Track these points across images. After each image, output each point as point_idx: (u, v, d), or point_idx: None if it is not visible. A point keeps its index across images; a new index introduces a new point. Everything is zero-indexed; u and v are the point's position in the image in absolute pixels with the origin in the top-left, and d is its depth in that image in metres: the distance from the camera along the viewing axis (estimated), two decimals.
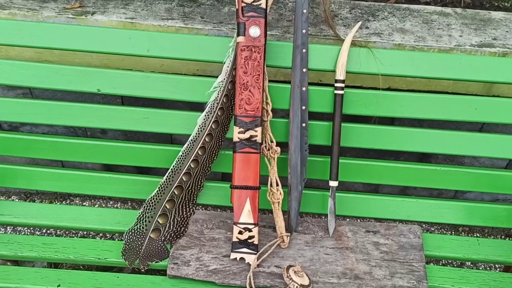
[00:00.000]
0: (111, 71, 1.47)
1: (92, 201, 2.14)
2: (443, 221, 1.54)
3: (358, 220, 1.96)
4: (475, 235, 2.03)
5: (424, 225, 2.05)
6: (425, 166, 1.54)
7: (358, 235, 1.49)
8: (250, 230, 1.38)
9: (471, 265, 1.96)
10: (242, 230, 1.38)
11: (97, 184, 1.57)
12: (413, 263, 1.42)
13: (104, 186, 1.57)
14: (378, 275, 1.38)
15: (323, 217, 1.80)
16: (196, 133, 1.44)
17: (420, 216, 1.55)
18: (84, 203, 2.11)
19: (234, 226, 1.39)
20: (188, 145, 1.44)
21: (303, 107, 1.43)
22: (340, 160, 1.46)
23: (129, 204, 2.16)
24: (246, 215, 1.38)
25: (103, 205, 2.12)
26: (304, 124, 1.44)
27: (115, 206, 2.13)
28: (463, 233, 2.05)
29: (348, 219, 1.91)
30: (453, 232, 2.05)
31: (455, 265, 1.95)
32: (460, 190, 1.99)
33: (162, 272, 1.39)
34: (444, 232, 2.04)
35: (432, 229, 2.07)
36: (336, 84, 1.42)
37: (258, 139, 1.37)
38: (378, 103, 1.46)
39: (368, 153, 1.87)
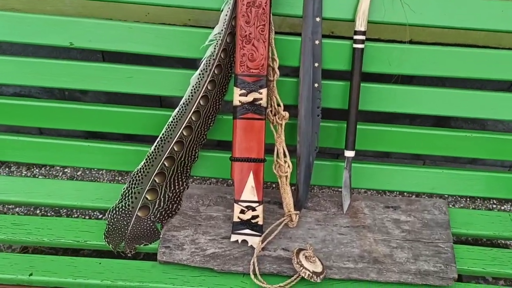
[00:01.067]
0: (87, 20, 1.23)
1: (72, 173, 1.92)
2: (473, 194, 1.36)
3: (376, 194, 1.76)
4: (507, 209, 1.84)
5: (450, 198, 1.85)
6: (449, 131, 1.34)
7: (376, 212, 1.31)
8: (253, 209, 1.19)
9: (504, 243, 1.79)
10: (244, 209, 1.19)
11: (78, 154, 1.36)
12: (439, 244, 1.24)
13: (87, 156, 1.36)
14: (400, 258, 1.20)
15: (336, 191, 1.61)
16: (189, 95, 1.22)
17: (446, 188, 1.36)
18: (63, 176, 1.89)
19: (235, 204, 1.19)
20: (179, 109, 1.23)
21: (316, 64, 1.21)
22: (357, 126, 1.25)
23: (115, 176, 1.94)
24: (249, 192, 1.18)
25: (85, 178, 1.91)
26: (316, 85, 1.22)
27: (98, 179, 1.91)
28: (494, 207, 1.87)
29: (364, 193, 1.71)
30: (482, 206, 1.87)
31: (485, 244, 1.78)
32: (479, 158, 1.80)
33: (151, 256, 1.21)
34: (473, 206, 1.86)
35: (459, 203, 1.88)
36: (356, 37, 1.19)
37: (263, 102, 1.15)
38: (403, 59, 1.24)
39: (376, 117, 1.66)
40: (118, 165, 1.36)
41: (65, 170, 1.94)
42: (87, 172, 1.92)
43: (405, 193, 1.56)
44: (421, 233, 1.26)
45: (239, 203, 1.19)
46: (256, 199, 1.19)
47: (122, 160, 1.35)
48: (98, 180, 1.86)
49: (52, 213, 1.72)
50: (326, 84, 1.25)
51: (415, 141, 1.33)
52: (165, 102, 1.69)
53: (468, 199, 1.86)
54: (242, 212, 1.19)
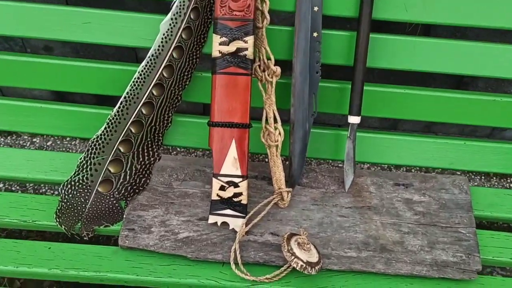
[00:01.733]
0: None
1: (41, 143, 1.69)
2: (502, 170, 1.14)
3: (384, 169, 1.52)
4: None
5: (472, 176, 1.62)
6: (475, 95, 1.11)
7: (384, 190, 1.09)
8: (236, 185, 0.97)
9: None
10: (224, 184, 0.97)
11: (45, 119, 1.14)
12: (460, 229, 1.03)
13: (55, 122, 1.14)
14: (413, 246, 1.00)
15: (337, 166, 1.39)
16: (159, 46, 0.99)
17: (468, 163, 1.15)
18: (31, 146, 1.66)
19: (214, 179, 0.98)
20: (147, 63, 1.00)
21: (315, 8, 0.98)
22: (364, 87, 1.03)
23: (77, 144, 1.70)
24: (231, 164, 0.97)
25: (56, 148, 1.68)
26: (315, 34, 0.99)
27: (71, 150, 1.67)
28: None
29: (370, 168, 1.48)
30: (498, 185, 1.64)
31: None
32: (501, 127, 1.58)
33: (113, 241, 1.00)
34: (488, 185, 1.64)
35: (472, 181, 1.64)
36: None
37: (249, 54, 0.93)
38: (422, 3, 1.01)
39: (386, 77, 1.43)
40: (92, 133, 1.14)
41: (34, 140, 1.72)
42: (59, 143, 1.70)
43: (419, 169, 1.34)
44: (438, 216, 1.05)
45: (219, 177, 0.97)
46: (239, 173, 0.97)
47: (97, 127, 1.13)
48: (71, 151, 1.63)
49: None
50: (327, 34, 1.02)
51: (433, 106, 1.11)
52: (141, 56, 1.45)
53: (482, 177, 1.64)
54: (222, 188, 0.98)
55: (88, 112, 1.14)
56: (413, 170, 1.36)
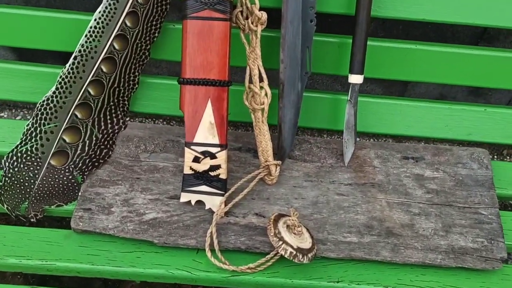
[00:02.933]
0: None
1: None
2: None
3: (391, 140, 1.32)
4: None
5: (494, 148, 1.44)
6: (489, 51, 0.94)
7: (390, 164, 0.93)
8: (213, 156, 0.80)
9: None
10: (199, 155, 0.80)
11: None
12: (480, 210, 0.87)
13: (9, 84, 0.96)
14: (425, 230, 0.83)
15: (335, 135, 1.22)
16: None
17: (488, 134, 0.98)
18: None
19: (186, 149, 0.81)
20: (105, 8, 0.83)
21: None
22: (368, 42, 0.86)
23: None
24: (206, 131, 0.80)
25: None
26: None
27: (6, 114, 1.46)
28: None
29: (374, 139, 1.31)
30: (510, 158, 1.47)
31: None
32: None
33: (65, 223, 0.83)
34: (500, 158, 1.45)
35: (501, 154, 1.45)
36: None
37: None
38: None
39: (391, 31, 1.26)
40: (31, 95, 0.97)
41: None
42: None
43: (431, 140, 1.17)
44: (454, 194, 0.89)
45: (192, 147, 0.81)
46: (216, 141, 0.80)
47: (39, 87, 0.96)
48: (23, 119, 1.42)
49: None
50: None
51: (449, 65, 0.94)
52: None
53: (505, 150, 1.46)
54: (196, 160, 0.81)
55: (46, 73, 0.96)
56: (423, 143, 1.19)
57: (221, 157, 0.80)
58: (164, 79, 0.97)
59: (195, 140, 0.80)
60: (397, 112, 0.97)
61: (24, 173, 0.87)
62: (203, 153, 0.80)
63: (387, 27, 1.12)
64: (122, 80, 0.90)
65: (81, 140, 0.89)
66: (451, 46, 0.93)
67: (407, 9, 0.88)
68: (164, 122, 1.22)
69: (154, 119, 1.22)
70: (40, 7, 1.15)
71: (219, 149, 0.80)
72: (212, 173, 0.81)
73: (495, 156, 1.36)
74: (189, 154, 0.81)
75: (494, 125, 0.97)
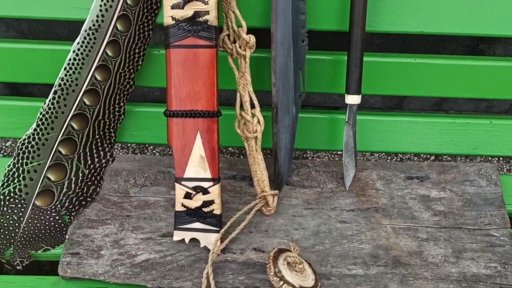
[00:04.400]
0: None
1: None
2: None
3: (393, 159, 1.27)
4: None
5: (501, 162, 1.38)
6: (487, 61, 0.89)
7: (394, 186, 0.88)
8: (205, 191, 0.76)
9: None
10: (190, 191, 0.76)
11: None
12: (492, 231, 0.82)
13: None
14: (434, 257, 0.79)
15: (334, 156, 1.18)
16: (98, 16, 0.77)
17: (495, 147, 0.93)
18: None
19: (177, 185, 0.76)
20: (84, 39, 0.78)
21: None
22: (364, 58, 0.81)
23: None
24: (197, 165, 0.75)
25: None
26: None
27: None
28: None
29: (375, 158, 1.25)
30: None
31: None
32: None
33: (54, 268, 0.79)
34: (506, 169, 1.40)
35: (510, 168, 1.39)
36: None
37: (211, 18, 0.70)
38: None
39: (384, 44, 1.21)
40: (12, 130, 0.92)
41: None
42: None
43: (436, 157, 1.12)
44: (463, 215, 0.84)
45: (183, 182, 0.76)
46: (208, 175, 0.75)
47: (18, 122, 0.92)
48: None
49: None
50: None
51: (447, 77, 0.89)
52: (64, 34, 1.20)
53: (501, 160, 1.41)
54: (187, 196, 0.76)
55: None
56: (427, 161, 1.14)
57: (214, 192, 0.76)
58: (151, 107, 0.92)
59: (185, 175, 0.75)
60: (398, 129, 0.92)
61: (8, 216, 0.82)
62: (194, 188, 0.76)
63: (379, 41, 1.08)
64: (107, 111, 0.85)
65: (66, 178, 0.84)
66: (450, 58, 0.88)
67: (403, 22, 0.83)
68: (155, 152, 1.17)
69: (142, 149, 1.17)
70: (22, 30, 1.10)
71: (211, 183, 0.75)
72: (205, 209, 0.76)
73: (505, 169, 1.31)
74: (180, 190, 0.76)
75: (500, 138, 0.92)
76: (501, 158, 1.28)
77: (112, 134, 0.88)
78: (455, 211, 0.84)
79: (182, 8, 0.69)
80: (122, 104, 0.86)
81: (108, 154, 0.89)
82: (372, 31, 0.83)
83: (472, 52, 1.26)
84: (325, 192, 0.87)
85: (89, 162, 0.86)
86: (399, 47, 1.18)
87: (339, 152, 1.20)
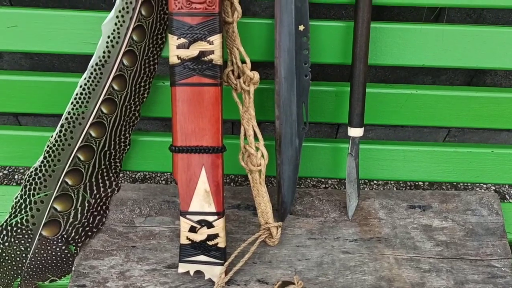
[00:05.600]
0: None
1: None
2: None
3: (395, 187, 1.30)
4: None
5: (503, 191, 1.37)
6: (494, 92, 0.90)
7: (396, 215, 0.89)
8: (210, 225, 0.77)
9: None
10: (195, 225, 0.77)
11: None
12: (493, 262, 0.83)
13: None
14: None
15: (337, 184, 1.19)
16: (104, 52, 0.78)
17: (497, 175, 0.94)
18: None
19: (182, 218, 0.77)
20: (91, 74, 0.79)
21: None
22: (367, 90, 0.82)
23: (13, 174, 1.46)
24: (202, 199, 0.76)
25: None
26: (302, 27, 0.78)
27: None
28: None
29: (378, 187, 1.25)
30: None
31: None
32: None
33: None
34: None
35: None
36: None
37: (216, 58, 0.72)
38: None
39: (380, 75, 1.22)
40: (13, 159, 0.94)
41: None
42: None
43: (437, 185, 1.13)
44: (465, 246, 0.85)
45: (188, 216, 0.77)
46: (213, 209, 0.76)
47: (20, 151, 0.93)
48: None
49: None
50: (316, 27, 0.81)
51: (450, 108, 0.90)
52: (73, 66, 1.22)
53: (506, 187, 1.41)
54: (192, 230, 0.77)
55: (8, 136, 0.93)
56: (429, 190, 1.15)
57: (219, 225, 0.77)
58: (156, 136, 0.93)
59: (190, 209, 0.76)
60: (400, 157, 0.93)
61: (15, 247, 0.83)
62: (199, 222, 0.77)
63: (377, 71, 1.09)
64: (113, 142, 0.86)
65: (73, 208, 0.86)
66: (452, 89, 0.89)
67: (405, 56, 0.84)
68: (160, 180, 1.19)
69: (147, 177, 1.19)
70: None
71: (216, 217, 0.77)
72: (210, 243, 0.77)
73: (506, 195, 1.31)
74: (184, 224, 0.77)
75: (502, 167, 0.93)
76: (506, 186, 1.29)
77: (118, 164, 0.89)
78: (457, 241, 0.85)
79: (188, 48, 0.71)
80: (127, 135, 0.87)
81: (114, 183, 0.90)
82: (374, 64, 0.84)
83: (471, 77, 1.28)
84: (328, 222, 0.88)
85: (95, 191, 0.88)
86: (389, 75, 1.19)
87: (341, 182, 1.21)
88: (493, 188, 1.26)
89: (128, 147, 0.89)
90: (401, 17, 1.11)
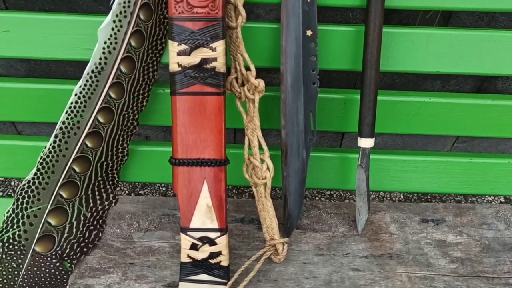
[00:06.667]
0: None
1: None
2: None
3: (407, 200, 1.24)
4: None
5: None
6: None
7: (408, 230, 0.85)
8: (212, 242, 0.72)
9: None
10: (197, 242, 0.72)
11: None
12: (511, 280, 0.79)
13: None
14: None
15: (346, 198, 1.15)
16: (100, 59, 0.74)
17: (510, 186, 0.90)
18: None
19: (183, 235, 0.73)
20: (86, 82, 0.75)
21: None
22: (378, 97, 0.77)
23: (6, 186, 1.41)
24: (203, 215, 0.72)
25: None
26: (310, 32, 0.73)
27: None
28: None
29: (389, 199, 1.21)
30: None
31: None
32: None
33: None
34: None
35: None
36: None
37: (219, 65, 0.67)
38: None
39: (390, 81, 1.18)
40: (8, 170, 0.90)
41: None
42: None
43: (451, 197, 1.08)
44: (481, 262, 0.80)
45: (189, 233, 0.72)
46: (215, 225, 0.72)
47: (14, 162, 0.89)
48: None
49: None
50: (325, 31, 0.77)
51: (464, 116, 0.85)
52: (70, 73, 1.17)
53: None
54: (193, 247, 0.73)
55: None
56: (443, 202, 1.10)
57: (222, 242, 0.72)
58: (156, 145, 0.89)
59: (191, 226, 0.72)
60: (412, 168, 0.89)
61: (7, 264, 0.79)
62: (201, 239, 0.72)
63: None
64: (110, 153, 0.82)
65: (68, 222, 0.81)
66: (467, 97, 0.85)
67: (417, 62, 0.79)
68: (159, 190, 1.14)
69: (146, 188, 1.14)
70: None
71: (218, 234, 0.72)
72: (212, 261, 0.73)
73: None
74: (185, 241, 0.73)
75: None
76: None
77: (115, 175, 0.85)
78: (473, 258, 0.81)
79: (189, 55, 0.66)
80: (125, 145, 0.83)
81: (111, 196, 0.86)
82: (385, 71, 0.80)
83: (481, 82, 1.23)
84: (337, 237, 0.83)
85: (91, 204, 0.83)
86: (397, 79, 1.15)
87: (350, 193, 1.17)
88: (505, 199, 1.22)
89: (126, 157, 0.84)
90: (410, 20, 1.07)
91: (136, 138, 0.83)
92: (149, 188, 1.32)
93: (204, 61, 0.67)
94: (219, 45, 0.66)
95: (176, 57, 0.67)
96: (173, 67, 0.67)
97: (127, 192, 1.24)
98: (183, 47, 0.66)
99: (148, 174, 0.89)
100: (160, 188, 1.34)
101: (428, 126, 0.86)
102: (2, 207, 0.85)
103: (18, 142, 0.88)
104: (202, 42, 0.66)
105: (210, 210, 0.71)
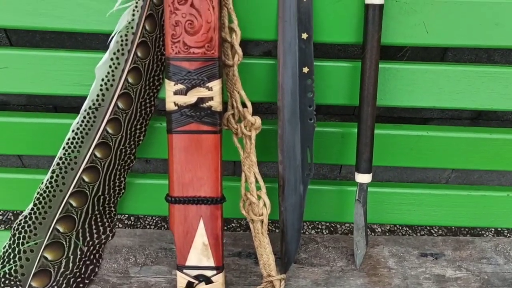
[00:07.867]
0: None
1: None
2: None
3: (405, 233, 1.23)
4: None
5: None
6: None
7: (407, 264, 0.84)
8: (208, 280, 0.72)
9: None
10: (193, 280, 0.72)
11: None
12: None
13: None
14: None
15: (344, 232, 1.15)
16: (98, 96, 0.74)
17: (509, 219, 0.89)
18: None
19: (178, 273, 0.72)
20: (84, 118, 0.75)
21: (304, 35, 0.73)
22: (375, 131, 0.77)
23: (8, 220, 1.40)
24: (200, 252, 0.71)
25: None
26: (306, 69, 0.74)
27: None
28: None
29: (387, 232, 1.20)
30: None
31: None
32: None
33: None
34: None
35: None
36: None
37: (215, 105, 0.67)
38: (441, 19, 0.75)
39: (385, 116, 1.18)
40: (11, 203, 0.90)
41: None
42: None
43: (450, 230, 1.07)
44: None
45: (185, 270, 0.72)
46: (211, 263, 0.72)
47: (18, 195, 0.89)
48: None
49: None
50: (321, 67, 0.77)
51: (460, 148, 0.85)
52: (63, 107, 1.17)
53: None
54: (189, 286, 0.72)
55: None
56: (441, 236, 1.10)
57: (218, 281, 0.72)
58: (152, 178, 0.89)
59: (187, 263, 0.72)
60: (411, 200, 0.88)
61: None
62: (197, 277, 0.72)
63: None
64: (107, 187, 0.82)
65: (64, 256, 0.81)
66: (464, 130, 0.85)
67: (414, 97, 0.79)
68: (159, 226, 1.14)
69: (142, 221, 1.13)
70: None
71: (215, 272, 0.72)
72: None
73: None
74: (181, 279, 0.72)
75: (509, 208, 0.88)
76: None
77: (112, 209, 0.85)
78: None
79: (185, 94, 0.66)
80: (122, 179, 0.83)
81: (108, 229, 0.85)
82: (382, 106, 0.80)
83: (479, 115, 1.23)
84: (335, 271, 0.83)
85: (88, 238, 0.83)
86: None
87: (348, 227, 1.17)
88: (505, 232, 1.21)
89: (123, 191, 0.84)
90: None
91: (136, 159, 0.82)
92: (148, 219, 1.31)
93: (201, 100, 0.67)
94: (216, 84, 0.67)
95: (172, 96, 0.67)
96: (170, 106, 0.68)
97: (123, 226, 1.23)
98: (180, 86, 0.67)
99: (145, 207, 0.89)
100: (159, 222, 1.32)
101: (426, 159, 0.86)
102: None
103: (20, 176, 0.88)
104: (199, 81, 0.66)
105: (207, 248, 0.71)
